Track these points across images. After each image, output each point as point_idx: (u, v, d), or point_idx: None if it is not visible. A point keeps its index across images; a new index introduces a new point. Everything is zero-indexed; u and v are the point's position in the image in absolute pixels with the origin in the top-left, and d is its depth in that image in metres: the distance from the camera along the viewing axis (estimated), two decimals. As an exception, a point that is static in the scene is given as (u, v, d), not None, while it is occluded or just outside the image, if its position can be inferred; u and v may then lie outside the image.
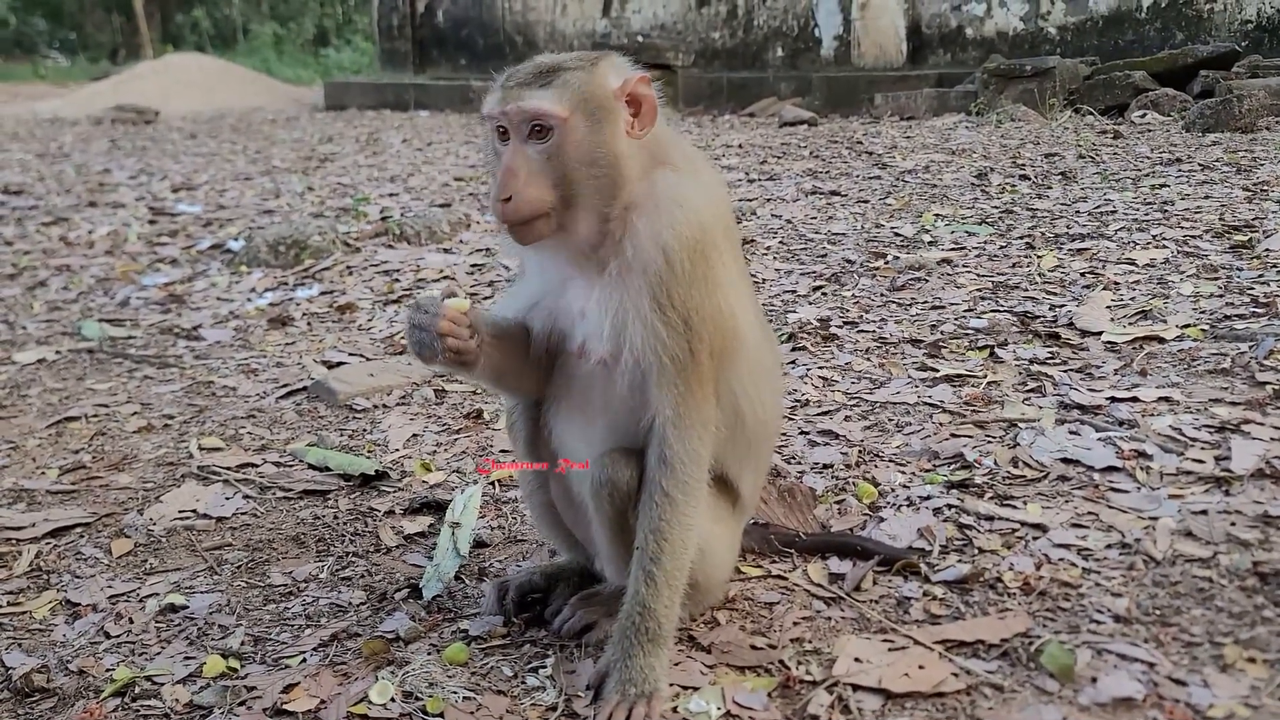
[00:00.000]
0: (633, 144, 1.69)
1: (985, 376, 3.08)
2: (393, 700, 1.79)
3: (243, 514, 2.63)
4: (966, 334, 3.48)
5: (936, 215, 5.27)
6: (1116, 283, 3.87)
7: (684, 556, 1.77)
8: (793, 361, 3.36)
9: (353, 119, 14.11)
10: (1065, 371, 3.05)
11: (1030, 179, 6.07)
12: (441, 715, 1.74)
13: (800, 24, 13.05)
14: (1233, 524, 2.11)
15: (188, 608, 2.17)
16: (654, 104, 1.70)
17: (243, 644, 2.02)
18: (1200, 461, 2.39)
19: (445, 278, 4.81)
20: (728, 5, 13.70)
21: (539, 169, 1.64)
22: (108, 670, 1.95)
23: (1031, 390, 2.95)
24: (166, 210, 7.00)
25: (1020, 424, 2.71)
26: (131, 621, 2.13)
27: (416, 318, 1.75)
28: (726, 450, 1.84)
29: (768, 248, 4.90)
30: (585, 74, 1.67)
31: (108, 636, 2.08)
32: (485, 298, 4.48)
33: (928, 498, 2.37)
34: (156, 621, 2.13)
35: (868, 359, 3.33)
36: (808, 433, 2.81)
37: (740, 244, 1.96)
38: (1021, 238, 4.69)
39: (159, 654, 2.00)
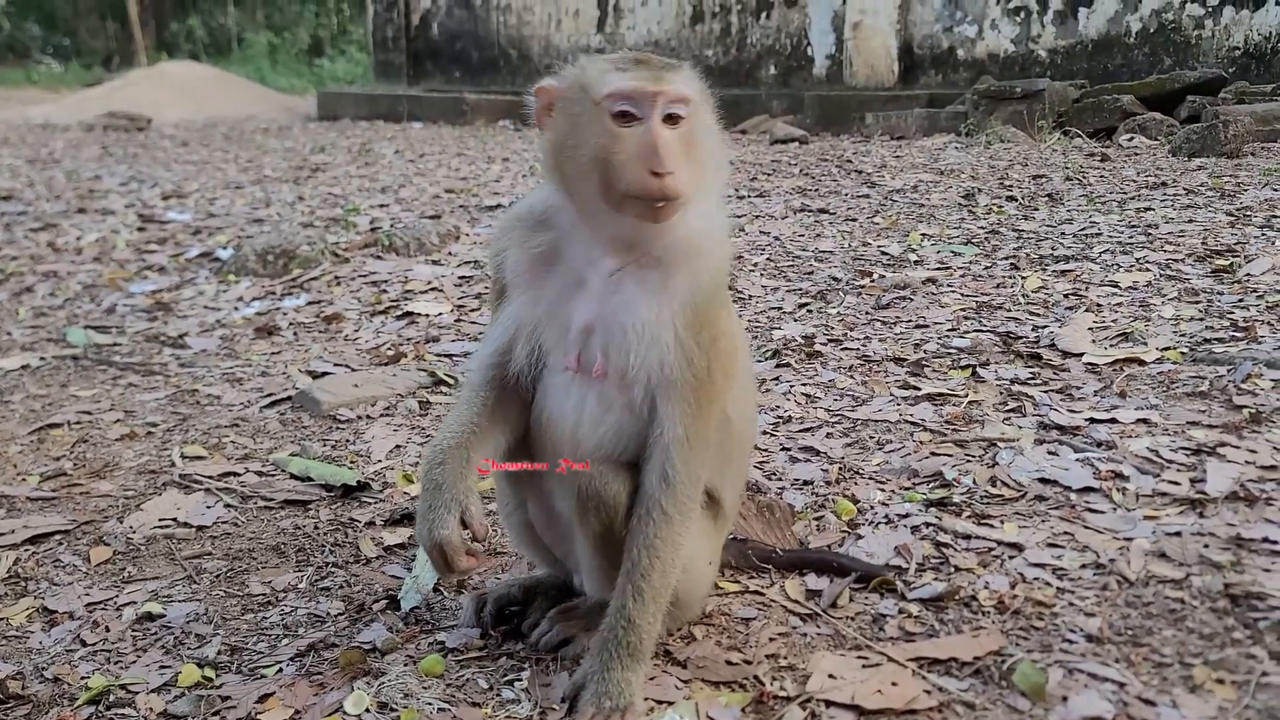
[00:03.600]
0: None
1: (966, 396, 3.10)
2: (367, 711, 1.79)
3: (223, 523, 2.62)
4: (949, 353, 3.50)
5: (923, 235, 5.30)
6: (1099, 305, 3.90)
7: (673, 574, 1.78)
8: (776, 378, 3.38)
9: (345, 129, 14.12)
10: (1046, 392, 3.07)
11: (1017, 200, 6.12)
12: (416, 727, 1.74)
13: (793, 43, 13.14)
14: (1206, 546, 2.13)
15: (165, 616, 2.17)
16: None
17: (219, 653, 2.02)
18: (1176, 483, 2.42)
19: (433, 289, 4.82)
20: (721, 23, 13.78)
21: (682, 150, 1.67)
22: (83, 678, 1.95)
23: (1012, 410, 2.97)
24: (156, 218, 7.00)
25: (1000, 443, 2.73)
26: (108, 630, 2.13)
27: (439, 564, 1.76)
28: (712, 460, 1.85)
29: (755, 264, 4.93)
30: (690, 69, 1.76)
31: (84, 644, 2.08)
32: (472, 309, 4.49)
33: (906, 515, 2.39)
34: (133, 630, 2.13)
35: (851, 376, 3.35)
36: (789, 449, 2.82)
37: None
38: (1006, 258, 4.73)
39: (134, 662, 2.00)
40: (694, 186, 1.68)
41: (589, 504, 1.78)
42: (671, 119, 1.67)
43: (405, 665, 1.92)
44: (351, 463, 2.95)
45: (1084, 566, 2.11)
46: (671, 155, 1.64)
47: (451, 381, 3.56)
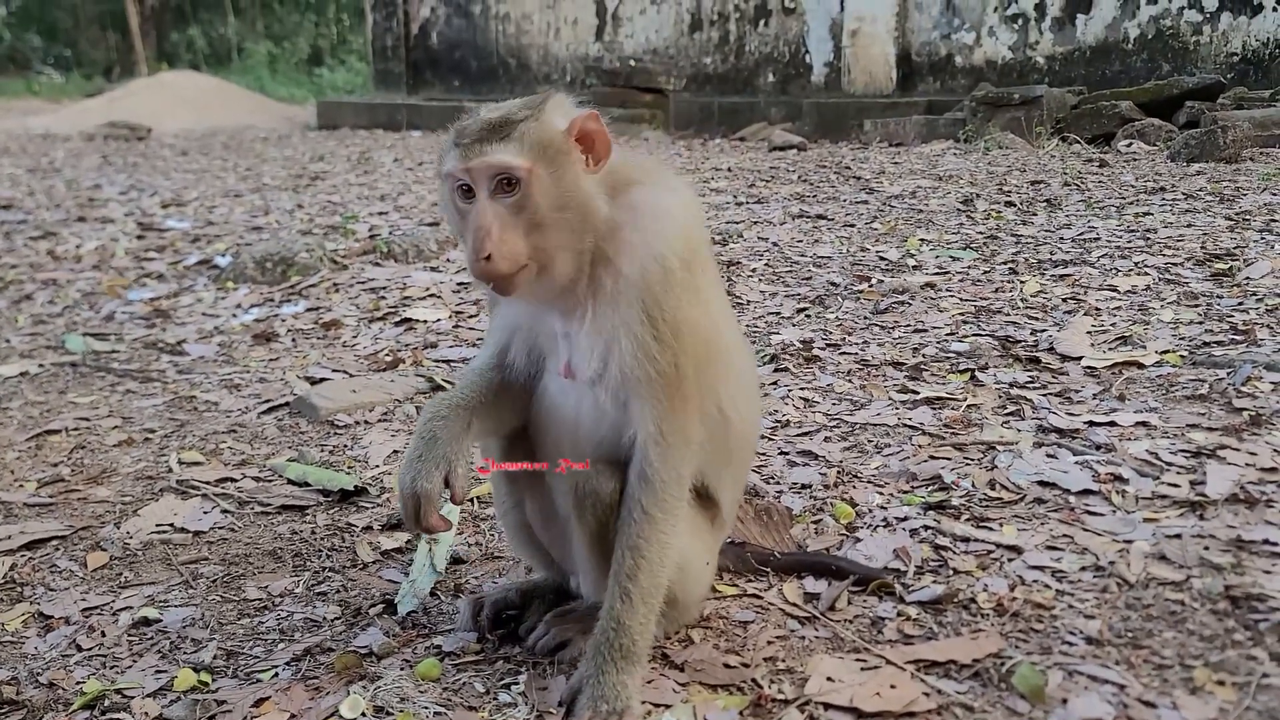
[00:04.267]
0: (593, 179, 1.70)
1: (965, 399, 3.09)
2: (364, 715, 1.78)
3: (220, 528, 2.62)
4: (948, 357, 3.50)
5: (921, 240, 5.30)
6: (1098, 309, 3.90)
7: (661, 574, 1.77)
8: (775, 383, 3.37)
9: (345, 138, 14.15)
10: (1044, 395, 3.06)
11: (1016, 206, 6.12)
12: (412, 731, 1.73)
13: (791, 50, 13.16)
14: (1206, 548, 2.13)
15: (161, 621, 2.16)
16: (606, 138, 1.72)
17: (215, 658, 2.01)
18: (1175, 486, 2.41)
19: (431, 295, 4.82)
20: (720, 31, 13.81)
21: (511, 222, 1.63)
22: (78, 683, 1.94)
23: (1011, 413, 2.97)
24: (155, 226, 7.00)
25: (998, 446, 2.73)
26: (104, 635, 2.12)
27: (410, 514, 1.77)
28: (708, 459, 1.84)
29: (753, 270, 4.92)
30: (536, 122, 1.67)
31: (79, 649, 2.07)
32: (470, 315, 4.49)
33: (905, 519, 2.38)
34: (129, 635, 2.12)
35: (849, 381, 3.35)
36: (787, 453, 2.82)
37: (713, 252, 1.98)
38: (1005, 263, 4.73)
39: (130, 667, 1.99)
40: (541, 250, 1.64)
41: (585, 501, 1.77)
42: (505, 186, 1.63)
43: (401, 669, 1.91)
44: (349, 468, 2.95)
45: (1083, 569, 2.10)
46: (488, 236, 1.61)
47: (448, 387, 3.55)
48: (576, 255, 1.69)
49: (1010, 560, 2.16)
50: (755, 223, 6.11)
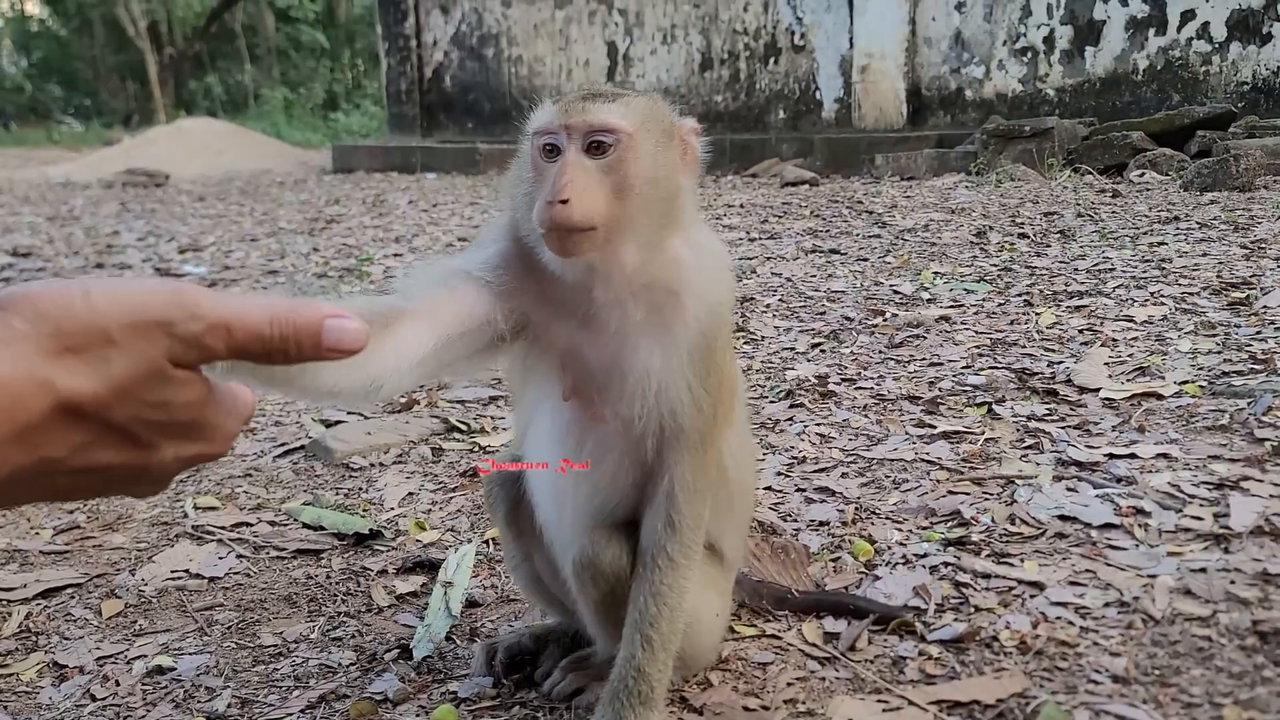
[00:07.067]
0: (686, 183, 1.68)
1: (983, 433, 3.07)
2: (378, 764, 1.76)
3: (235, 574, 2.61)
4: (964, 391, 3.47)
5: (935, 273, 5.29)
6: (1114, 339, 3.87)
7: (680, 619, 1.75)
8: (790, 418, 3.35)
9: (360, 181, 14.28)
10: (1063, 428, 3.04)
11: (1029, 237, 6.11)
12: (427, 779, 1.71)
13: (801, 87, 13.25)
14: (1232, 582, 2.09)
15: (175, 669, 2.15)
16: (697, 154, 1.70)
17: (229, 706, 1.99)
18: (1199, 519, 2.37)
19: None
20: (730, 69, 13.93)
21: (597, 179, 1.56)
22: (92, 733, 1.92)
23: (1029, 447, 2.94)
24: (172, 271, 7.07)
25: (1018, 481, 2.70)
26: (118, 684, 2.10)
27: None
28: (712, 512, 1.82)
29: (767, 305, 4.92)
30: (649, 100, 1.66)
31: (93, 699, 2.06)
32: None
33: (924, 555, 2.35)
34: (143, 684, 2.10)
35: (865, 416, 3.32)
36: (804, 490, 2.79)
37: None
38: (1020, 295, 4.71)
39: (144, 717, 1.98)
40: (618, 219, 1.56)
41: (584, 572, 1.74)
42: (597, 149, 1.58)
43: (417, 716, 1.89)
44: (364, 511, 2.94)
45: (1107, 605, 2.07)
46: (571, 184, 1.52)
47: (464, 428, 3.55)
48: (647, 251, 1.62)
49: (1032, 596, 2.13)
50: (769, 258, 6.12)
